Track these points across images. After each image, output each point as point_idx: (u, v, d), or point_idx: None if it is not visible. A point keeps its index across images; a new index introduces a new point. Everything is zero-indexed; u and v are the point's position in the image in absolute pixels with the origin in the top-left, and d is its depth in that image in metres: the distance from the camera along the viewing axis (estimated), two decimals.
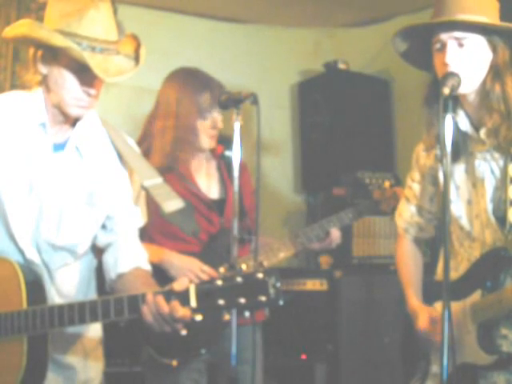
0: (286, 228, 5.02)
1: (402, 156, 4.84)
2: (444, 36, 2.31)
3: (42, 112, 2.23)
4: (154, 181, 2.34)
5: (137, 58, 2.23)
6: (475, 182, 2.42)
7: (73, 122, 2.27)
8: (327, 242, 3.20)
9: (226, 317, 1.93)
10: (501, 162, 2.37)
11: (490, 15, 2.34)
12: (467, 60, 2.31)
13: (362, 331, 4.13)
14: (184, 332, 2.04)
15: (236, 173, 2.38)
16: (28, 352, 2.12)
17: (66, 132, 2.27)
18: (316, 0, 4.71)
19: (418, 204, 2.65)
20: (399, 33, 2.43)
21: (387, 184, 3.30)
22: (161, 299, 2.01)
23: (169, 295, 2.01)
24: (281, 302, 1.88)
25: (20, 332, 2.12)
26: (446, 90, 2.12)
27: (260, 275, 1.88)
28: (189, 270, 2.87)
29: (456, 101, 2.38)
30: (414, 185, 2.66)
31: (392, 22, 4.79)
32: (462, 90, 2.30)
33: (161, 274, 2.76)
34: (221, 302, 1.91)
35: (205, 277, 2.81)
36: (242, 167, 2.90)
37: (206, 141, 3.04)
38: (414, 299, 2.56)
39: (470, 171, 2.43)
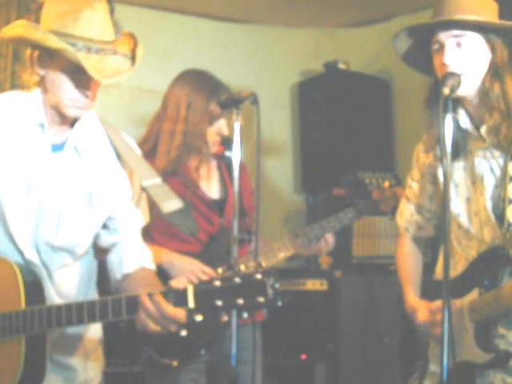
0: (285, 228, 5.01)
1: (402, 156, 4.84)
2: (442, 36, 2.32)
3: (41, 112, 2.23)
4: (153, 181, 2.34)
5: (133, 58, 2.23)
6: (474, 180, 2.42)
7: (71, 122, 2.26)
8: (316, 248, 3.19)
9: (224, 318, 1.93)
10: (500, 161, 2.38)
11: (488, 14, 2.34)
12: (466, 60, 2.31)
13: (361, 331, 4.14)
14: (184, 333, 2.04)
15: (236, 173, 2.38)
16: (26, 352, 2.11)
17: (64, 132, 2.27)
18: (316, 0, 4.71)
19: (417, 203, 2.66)
20: (398, 34, 2.43)
21: (386, 184, 3.30)
22: (152, 302, 2.01)
23: (167, 294, 2.01)
24: (279, 303, 1.88)
25: (18, 332, 2.12)
26: (446, 90, 2.13)
27: (258, 276, 1.88)
28: (190, 271, 2.87)
29: (457, 99, 2.39)
30: (413, 184, 2.66)
31: (392, 22, 4.79)
32: (462, 92, 2.30)
33: (162, 274, 2.76)
34: (219, 302, 1.91)
35: (205, 278, 2.81)
36: (242, 168, 2.91)
37: (212, 147, 3.04)
38: (412, 296, 2.56)
39: (470, 169, 2.43)
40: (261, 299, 1.86)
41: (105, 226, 2.37)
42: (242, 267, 1.93)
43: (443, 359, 2.02)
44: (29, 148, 2.22)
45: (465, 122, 2.43)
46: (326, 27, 5.23)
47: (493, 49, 2.34)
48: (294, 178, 5.20)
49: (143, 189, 2.34)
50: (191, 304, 1.95)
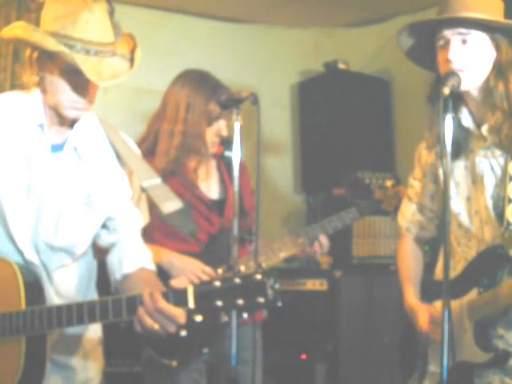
0: (285, 228, 5.01)
1: (402, 156, 4.84)
2: (448, 33, 2.33)
3: (40, 113, 2.23)
4: (153, 181, 2.34)
5: (132, 60, 2.23)
6: (475, 179, 2.43)
7: (71, 122, 2.26)
8: (311, 251, 3.18)
9: (224, 318, 1.93)
10: (501, 160, 2.38)
11: (493, 13, 2.35)
12: (470, 57, 2.32)
13: (361, 331, 4.14)
14: (184, 333, 2.04)
15: (236, 173, 2.38)
16: (26, 353, 2.11)
17: (64, 133, 2.27)
18: (316, 0, 4.71)
19: (418, 202, 2.66)
20: (404, 30, 2.44)
21: (389, 183, 3.30)
22: (158, 296, 2.01)
23: (167, 294, 2.01)
24: (279, 304, 1.88)
25: (18, 332, 2.12)
26: (446, 90, 2.13)
27: (258, 276, 1.88)
28: (190, 271, 2.86)
29: (459, 98, 2.39)
30: (415, 183, 2.66)
31: (392, 21, 4.79)
32: (464, 87, 2.30)
33: (162, 275, 2.76)
34: (219, 303, 1.91)
35: (206, 278, 2.81)
36: (242, 168, 2.91)
37: (211, 148, 3.04)
38: (412, 297, 2.56)
39: (470, 168, 2.44)
40: (261, 300, 1.86)
41: (104, 226, 2.37)
42: (242, 267, 1.93)
43: (443, 359, 2.02)
44: (28, 148, 2.22)
45: (467, 121, 2.43)
46: (326, 27, 5.23)
47: (498, 48, 2.35)
48: (293, 178, 5.20)
49: (143, 189, 2.34)
50: (191, 304, 1.96)
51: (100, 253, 2.44)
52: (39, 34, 2.12)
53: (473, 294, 2.39)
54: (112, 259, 2.39)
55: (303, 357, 4.24)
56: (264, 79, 4.99)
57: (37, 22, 2.21)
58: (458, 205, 2.46)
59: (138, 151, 2.45)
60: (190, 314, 1.98)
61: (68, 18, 2.12)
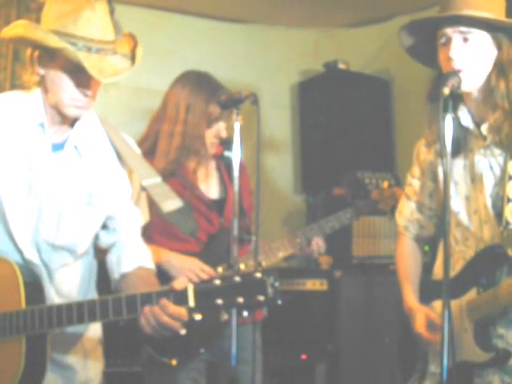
0: (285, 228, 5.01)
1: (402, 156, 4.84)
2: (449, 30, 2.32)
3: (41, 112, 2.23)
4: (153, 180, 2.34)
5: (133, 58, 2.23)
6: (474, 178, 2.43)
7: (71, 121, 2.27)
8: (308, 251, 3.19)
9: (224, 316, 1.94)
10: (500, 159, 2.38)
11: (495, 11, 2.35)
12: (471, 55, 2.32)
13: (361, 331, 4.13)
14: (183, 332, 2.05)
15: (236, 173, 2.38)
16: (26, 352, 2.12)
17: (64, 132, 2.28)
18: (316, 0, 4.71)
19: (417, 200, 2.65)
20: (405, 27, 2.44)
21: (385, 184, 3.31)
22: (157, 310, 2.02)
23: (168, 294, 2.01)
24: (279, 302, 1.88)
25: (18, 332, 2.12)
26: (446, 90, 2.13)
27: (258, 275, 1.88)
28: (189, 270, 2.87)
29: (459, 97, 2.39)
30: (413, 181, 2.66)
31: (392, 21, 4.78)
32: (465, 87, 2.30)
33: (161, 274, 2.76)
34: (219, 301, 1.91)
35: (205, 277, 2.81)
36: (242, 168, 2.91)
37: (210, 149, 3.04)
38: (411, 297, 2.55)
39: (469, 167, 2.43)
40: (261, 298, 1.87)
41: (104, 226, 2.38)
42: (242, 266, 1.94)
43: (443, 359, 2.02)
44: (29, 147, 2.23)
45: (466, 120, 2.43)
46: (326, 27, 5.23)
47: (499, 46, 2.35)
48: (293, 178, 5.20)
49: (143, 188, 2.34)
50: (191, 303, 1.96)
51: (100, 253, 2.44)
52: (41, 31, 2.13)
53: (472, 294, 2.39)
54: (111, 258, 2.40)
55: (303, 357, 4.23)
56: (264, 79, 4.99)
57: (37, 22, 2.22)
58: (457, 204, 2.46)
59: (138, 150, 2.45)
60: (190, 312, 1.98)
61: (69, 17, 2.12)
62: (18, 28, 2.17)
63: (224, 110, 2.72)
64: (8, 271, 2.17)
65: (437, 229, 2.68)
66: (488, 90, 2.37)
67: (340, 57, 4.95)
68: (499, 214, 2.36)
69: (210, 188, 3.10)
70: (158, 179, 2.35)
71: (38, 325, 2.11)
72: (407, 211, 2.68)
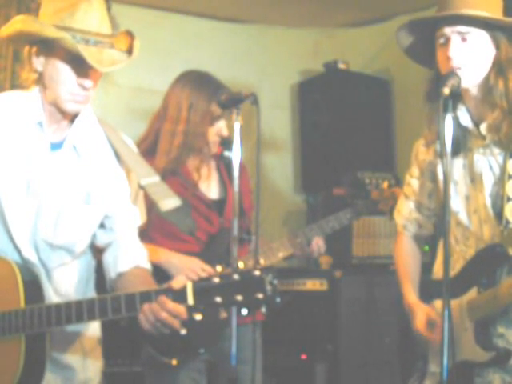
0: (285, 228, 5.01)
1: (401, 156, 4.83)
2: (448, 30, 2.32)
3: (39, 111, 2.23)
4: (151, 179, 2.34)
5: (130, 51, 2.23)
6: (473, 178, 2.43)
7: (70, 120, 2.27)
8: (308, 250, 3.19)
9: (223, 314, 1.93)
10: (500, 158, 2.38)
11: (493, 10, 2.35)
12: (470, 54, 2.32)
13: (361, 331, 4.13)
14: (184, 331, 2.04)
15: (236, 173, 2.38)
16: (26, 351, 2.11)
17: (63, 131, 2.28)
18: (316, 0, 4.71)
19: (416, 200, 2.65)
20: (403, 27, 2.44)
21: (385, 184, 3.31)
22: (156, 307, 2.01)
23: (167, 293, 2.01)
24: (278, 300, 1.88)
25: (18, 331, 2.12)
26: (446, 90, 2.13)
27: (257, 272, 1.88)
28: (190, 269, 2.86)
29: (458, 96, 2.39)
30: (412, 181, 2.66)
31: (392, 21, 4.78)
32: (463, 84, 2.30)
33: (161, 274, 2.76)
34: (218, 299, 1.91)
35: (205, 275, 2.81)
36: (242, 168, 2.90)
37: (213, 148, 3.04)
38: (411, 295, 2.55)
39: (469, 166, 2.44)
40: (259, 295, 1.86)
41: (101, 225, 2.38)
42: (241, 264, 1.93)
43: (443, 359, 2.02)
44: (28, 146, 2.23)
45: (465, 120, 2.43)
46: (326, 27, 5.23)
47: (498, 46, 2.35)
48: (293, 177, 5.20)
49: (141, 187, 2.34)
50: (190, 301, 1.96)
51: (99, 252, 2.44)
52: (39, 23, 2.14)
53: (472, 293, 2.38)
54: (107, 258, 2.39)
55: (303, 357, 4.24)
56: (264, 79, 5.00)
57: None
58: (456, 203, 2.46)
59: (136, 149, 2.45)
60: (190, 311, 1.98)
61: (67, 11, 2.14)
62: (16, 24, 2.18)
63: (224, 109, 2.72)
64: (7, 270, 2.17)
65: (436, 228, 2.68)
66: (487, 89, 2.37)
67: (340, 57, 4.95)
68: (499, 213, 2.36)
69: (210, 188, 3.10)
70: (156, 178, 2.35)
71: (37, 324, 2.11)
72: (406, 210, 2.68)
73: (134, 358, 3.67)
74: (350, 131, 4.83)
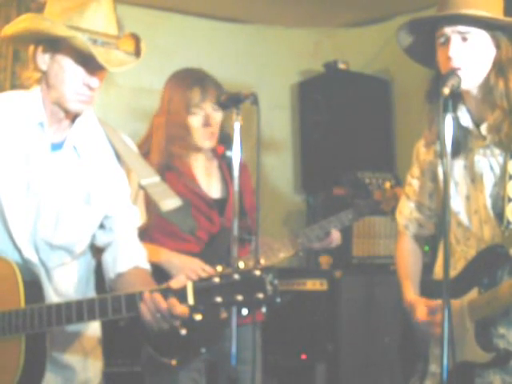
0: (285, 228, 5.01)
1: (401, 156, 4.84)
2: (448, 30, 2.32)
3: (41, 111, 2.23)
4: (152, 179, 2.34)
5: (137, 53, 2.23)
6: (474, 178, 2.42)
7: (71, 120, 2.27)
8: (327, 241, 3.21)
9: (224, 314, 1.93)
10: (500, 159, 2.38)
11: (493, 10, 2.34)
12: (470, 54, 2.32)
13: (362, 331, 4.13)
14: (184, 332, 2.04)
15: (236, 172, 2.38)
16: (26, 351, 2.11)
17: (63, 131, 2.27)
18: (316, 0, 4.71)
19: (417, 200, 2.65)
20: (404, 27, 2.44)
21: (388, 185, 3.31)
22: (158, 296, 2.01)
23: (166, 293, 2.01)
24: (278, 300, 1.88)
25: (18, 331, 2.12)
26: (446, 90, 2.13)
27: (257, 272, 1.88)
28: (190, 270, 2.86)
29: (458, 96, 2.39)
30: (413, 181, 2.66)
31: (392, 21, 4.78)
32: (464, 86, 2.30)
33: (162, 274, 2.76)
34: (218, 299, 1.90)
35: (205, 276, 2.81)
36: (243, 167, 2.90)
37: (200, 139, 3.03)
38: (410, 292, 2.55)
39: (469, 167, 2.43)
40: (260, 295, 1.86)
41: (101, 226, 2.37)
42: (241, 264, 1.93)
43: (443, 359, 2.01)
44: (28, 146, 2.23)
45: (465, 120, 2.43)
46: (326, 27, 5.23)
47: (498, 45, 2.34)
48: (293, 177, 5.20)
49: (142, 187, 2.34)
50: (191, 301, 1.95)
51: (99, 252, 2.44)
52: (48, 21, 2.13)
53: (473, 294, 2.38)
54: (107, 258, 2.39)
55: (303, 357, 4.23)
56: (264, 79, 4.99)
57: None
58: (457, 204, 2.46)
59: (136, 150, 2.45)
60: (190, 311, 1.97)
61: (75, 10, 2.13)
62: (23, 22, 2.17)
63: (224, 109, 2.72)
64: (7, 270, 2.16)
65: (437, 228, 2.68)
66: (487, 89, 2.36)
67: (340, 57, 4.95)
68: (500, 214, 2.35)
69: (212, 187, 3.10)
70: (156, 178, 2.35)
71: (38, 324, 2.10)
72: (407, 211, 2.68)
73: (134, 358, 3.67)
74: (350, 131, 4.83)
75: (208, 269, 2.89)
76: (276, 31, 5.18)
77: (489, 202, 2.38)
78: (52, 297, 2.26)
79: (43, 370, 2.16)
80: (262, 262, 1.94)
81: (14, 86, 4.05)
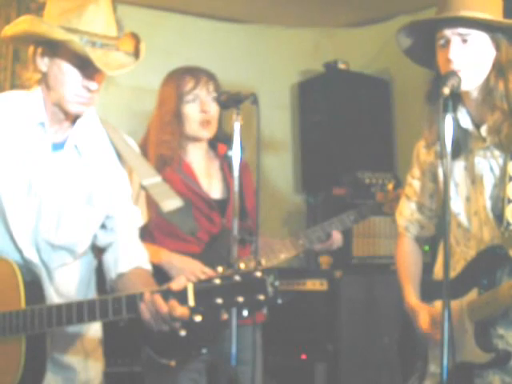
0: (286, 228, 5.01)
1: (402, 156, 4.84)
2: (448, 32, 2.32)
3: (41, 111, 2.23)
4: (153, 180, 2.34)
5: (137, 54, 2.23)
6: (474, 179, 2.42)
7: (72, 120, 2.27)
8: (328, 243, 3.21)
9: (224, 316, 1.92)
10: (500, 160, 2.38)
11: (493, 12, 2.34)
12: (471, 56, 2.31)
13: (361, 331, 4.13)
14: (183, 333, 2.04)
15: (236, 173, 2.38)
16: (26, 352, 2.11)
17: (65, 131, 2.28)
18: (316, 0, 4.71)
19: (418, 201, 2.65)
20: (403, 29, 2.44)
21: (390, 186, 3.30)
22: (158, 298, 2.00)
23: (166, 294, 2.01)
24: (279, 301, 1.87)
25: (18, 332, 2.12)
26: (446, 90, 2.13)
27: (258, 274, 1.87)
28: (189, 272, 2.86)
29: (458, 98, 2.39)
30: (414, 182, 2.66)
31: (392, 21, 4.78)
32: (464, 87, 2.30)
33: (163, 275, 2.76)
34: (219, 300, 1.90)
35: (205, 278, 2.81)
36: (244, 167, 2.91)
37: (196, 127, 3.02)
38: (412, 296, 2.55)
39: (470, 168, 2.43)
40: (261, 297, 1.86)
41: (102, 226, 2.37)
42: (242, 265, 1.93)
43: (443, 360, 2.01)
44: (29, 147, 2.23)
45: (465, 122, 2.43)
46: (326, 27, 5.23)
47: (498, 47, 2.34)
48: (293, 177, 5.20)
49: (143, 187, 2.34)
50: (191, 302, 1.95)
51: (100, 252, 2.44)
52: (46, 25, 2.14)
53: (473, 295, 2.38)
54: (108, 258, 2.39)
55: (303, 357, 4.23)
56: (264, 79, 4.99)
57: None
58: (457, 205, 2.46)
59: (138, 150, 2.45)
60: (191, 312, 1.97)
61: (74, 12, 2.13)
62: (22, 24, 2.17)
63: (224, 109, 2.72)
64: (8, 271, 2.17)
65: (437, 229, 2.68)
66: (487, 90, 2.36)
67: (340, 57, 4.95)
68: (499, 215, 2.35)
69: (213, 188, 3.10)
70: (157, 179, 2.36)
71: (38, 324, 2.11)
72: (407, 212, 2.68)
73: (134, 358, 3.67)
74: (350, 131, 4.83)
75: (208, 271, 2.89)
76: (276, 31, 5.18)
77: (488, 204, 2.38)
78: (53, 297, 2.26)
79: (44, 371, 2.16)
80: (263, 262, 1.93)
81: (14, 86, 4.05)
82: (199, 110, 3.01)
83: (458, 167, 2.45)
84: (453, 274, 2.42)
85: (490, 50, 2.35)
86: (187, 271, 2.85)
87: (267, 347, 3.24)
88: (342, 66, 4.93)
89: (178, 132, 3.02)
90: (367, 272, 4.31)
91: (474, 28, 2.31)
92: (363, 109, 4.85)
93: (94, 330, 2.42)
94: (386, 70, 5.03)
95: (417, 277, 2.64)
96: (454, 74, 2.25)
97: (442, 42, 2.35)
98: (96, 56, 2.11)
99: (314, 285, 4.27)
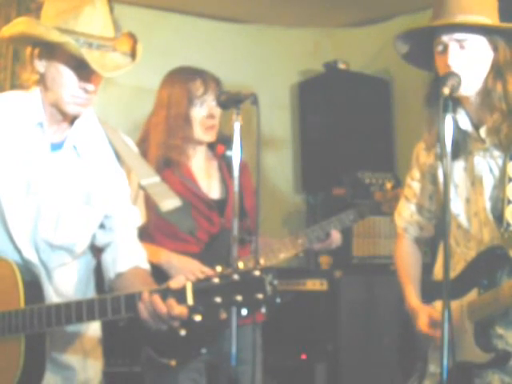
0: (285, 228, 5.01)
1: (401, 156, 4.83)
2: (445, 38, 2.32)
3: (40, 111, 2.23)
4: (152, 179, 2.34)
5: (133, 55, 2.23)
6: (474, 181, 2.42)
7: (70, 121, 2.27)
8: (327, 242, 3.21)
9: (223, 315, 1.92)
10: (500, 161, 2.38)
11: (489, 14, 2.34)
12: (469, 61, 2.31)
13: (361, 331, 4.13)
14: (183, 332, 2.04)
15: (236, 173, 2.38)
16: (25, 352, 2.11)
17: (63, 131, 2.28)
18: (316, 0, 4.71)
19: (417, 203, 2.65)
20: (400, 36, 2.44)
21: (389, 186, 3.30)
22: (157, 297, 2.00)
23: (165, 293, 2.01)
24: (278, 300, 1.87)
25: (17, 331, 2.12)
26: (446, 90, 2.13)
27: (257, 273, 1.87)
28: (189, 271, 2.86)
29: (457, 99, 2.39)
30: (413, 183, 2.66)
31: (392, 22, 4.79)
32: (464, 92, 2.31)
33: (161, 274, 2.76)
34: (217, 299, 1.90)
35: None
36: (244, 167, 2.90)
37: (202, 131, 3.03)
38: (413, 298, 2.55)
39: (469, 169, 2.43)
40: (259, 296, 1.86)
41: (101, 225, 2.37)
42: (241, 265, 1.93)
43: (443, 360, 2.01)
44: (28, 147, 2.23)
45: (464, 123, 2.43)
46: (326, 27, 5.23)
47: (495, 49, 2.34)
48: (293, 177, 5.20)
49: (142, 187, 2.34)
50: (190, 301, 1.95)
51: (98, 252, 2.44)
52: (43, 27, 2.14)
53: (473, 295, 2.38)
54: (106, 258, 2.39)
55: (303, 357, 4.23)
56: (264, 79, 4.99)
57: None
58: (457, 206, 2.46)
59: (136, 150, 2.45)
60: (189, 311, 1.97)
61: (70, 13, 2.13)
62: (19, 25, 2.18)
63: (224, 109, 2.72)
64: (7, 270, 2.17)
65: (437, 230, 2.68)
66: (485, 92, 2.36)
67: (340, 57, 4.95)
68: (498, 216, 2.35)
69: (211, 188, 3.10)
70: (156, 178, 2.36)
71: (37, 324, 2.11)
72: (407, 213, 2.68)
73: (134, 358, 3.67)
74: (350, 131, 4.83)
75: (206, 270, 2.88)
76: (276, 31, 5.18)
77: (488, 205, 2.38)
78: (52, 297, 2.26)
79: (43, 370, 2.16)
80: (262, 262, 1.93)
81: (13, 86, 4.05)
82: (206, 115, 3.01)
83: (458, 168, 2.45)
84: (453, 274, 2.42)
85: (487, 53, 2.35)
86: (186, 271, 2.85)
87: (267, 347, 3.24)
88: (341, 65, 4.93)
89: (187, 137, 3.02)
90: (367, 272, 4.31)
91: (471, 33, 2.31)
92: (363, 109, 4.85)
93: (93, 329, 2.42)
94: (386, 70, 5.02)
95: (417, 277, 2.64)
96: (453, 74, 2.25)
97: (440, 48, 2.35)
98: (92, 57, 2.11)
99: (314, 285, 4.27)
